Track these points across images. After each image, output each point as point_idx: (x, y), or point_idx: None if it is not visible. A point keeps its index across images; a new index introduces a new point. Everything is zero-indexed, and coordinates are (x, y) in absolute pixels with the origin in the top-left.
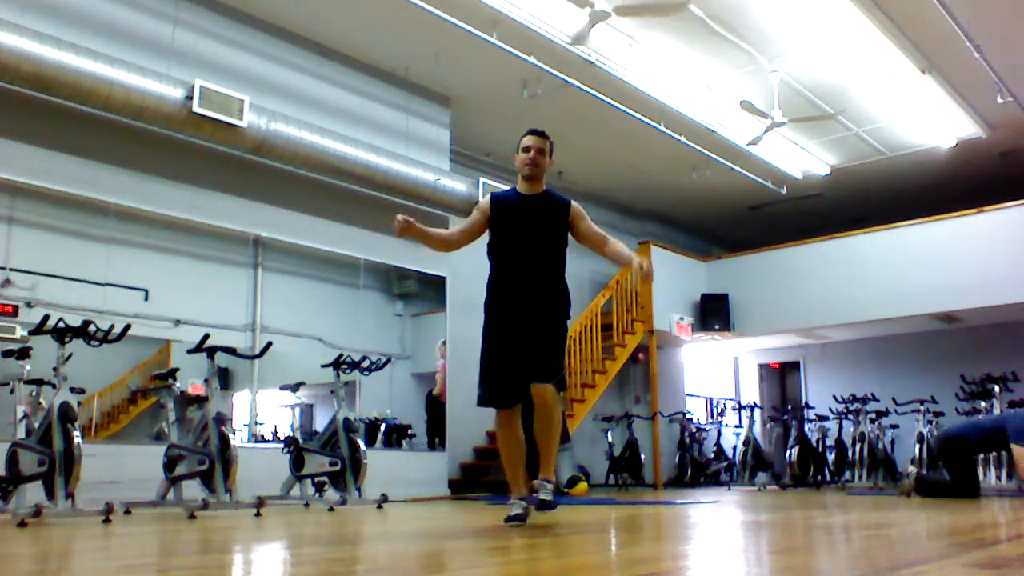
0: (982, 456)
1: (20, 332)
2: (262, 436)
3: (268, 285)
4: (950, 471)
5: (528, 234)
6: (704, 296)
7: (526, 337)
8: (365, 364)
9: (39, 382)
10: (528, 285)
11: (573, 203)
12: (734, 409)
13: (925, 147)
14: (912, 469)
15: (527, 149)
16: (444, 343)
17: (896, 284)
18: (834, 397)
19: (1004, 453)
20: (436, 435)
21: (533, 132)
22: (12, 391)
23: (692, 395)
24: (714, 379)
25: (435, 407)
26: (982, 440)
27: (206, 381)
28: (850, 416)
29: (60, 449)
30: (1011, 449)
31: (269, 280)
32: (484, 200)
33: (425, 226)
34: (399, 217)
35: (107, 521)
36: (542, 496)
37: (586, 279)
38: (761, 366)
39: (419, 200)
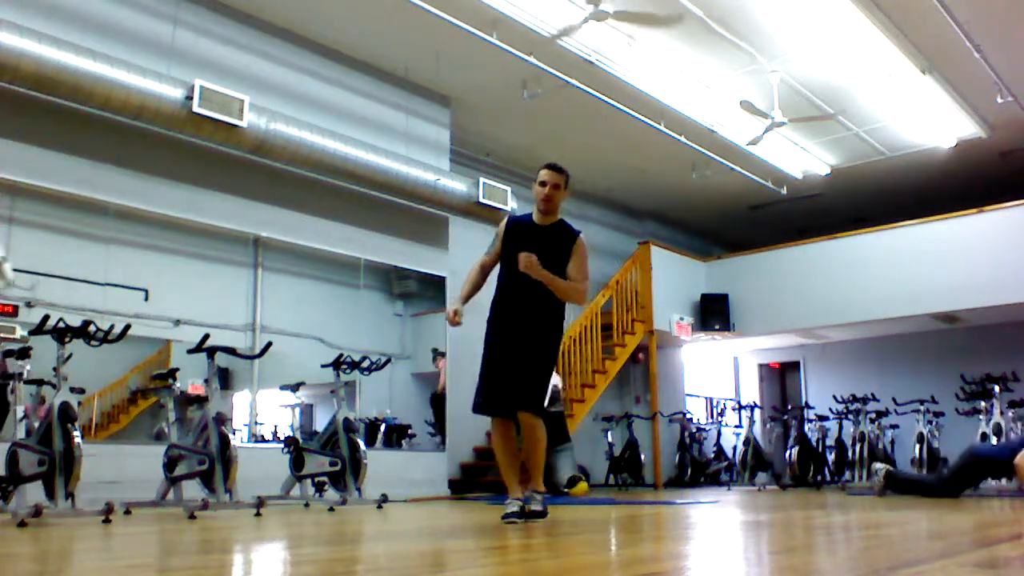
0: None
1: (20, 332)
2: (262, 436)
3: (268, 285)
4: (954, 476)
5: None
6: (704, 296)
7: (518, 362)
8: (365, 364)
9: (39, 382)
10: (527, 310)
11: (580, 237)
12: (734, 409)
13: (925, 147)
14: (879, 467)
15: (543, 183)
16: (441, 354)
17: (896, 284)
18: (834, 397)
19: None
20: (442, 433)
21: (550, 167)
22: (12, 391)
23: (692, 395)
24: (714, 379)
25: (440, 405)
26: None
27: (206, 381)
28: (850, 416)
29: (60, 449)
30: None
31: (269, 280)
32: (501, 225)
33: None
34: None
35: (107, 521)
36: (532, 507)
37: None
38: (761, 366)
39: (419, 200)
